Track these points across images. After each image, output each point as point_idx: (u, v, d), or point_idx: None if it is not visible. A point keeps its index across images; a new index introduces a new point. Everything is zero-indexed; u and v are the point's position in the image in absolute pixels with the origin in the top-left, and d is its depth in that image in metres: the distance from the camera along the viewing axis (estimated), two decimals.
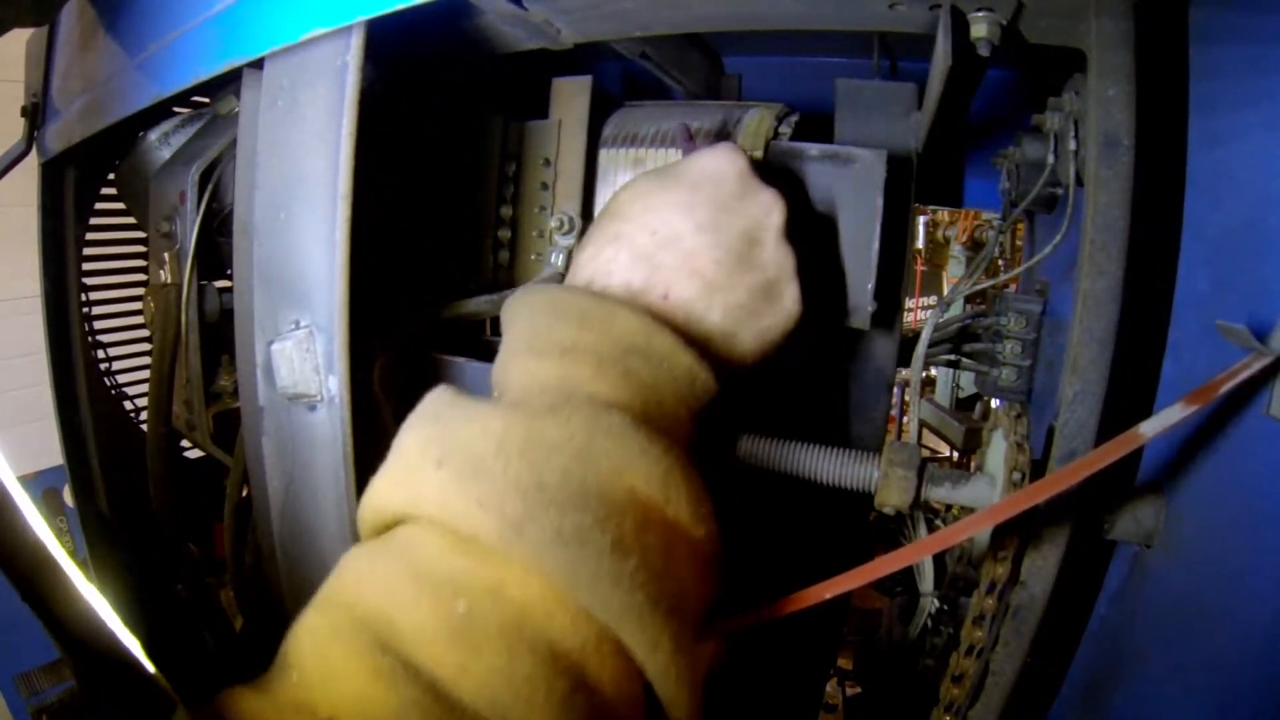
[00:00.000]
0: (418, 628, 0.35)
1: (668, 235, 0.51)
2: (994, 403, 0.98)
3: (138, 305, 1.19)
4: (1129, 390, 0.64)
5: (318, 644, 0.37)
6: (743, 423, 0.66)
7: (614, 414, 0.43)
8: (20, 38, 1.06)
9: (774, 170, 0.68)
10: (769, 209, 0.54)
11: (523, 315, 0.50)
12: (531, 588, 0.38)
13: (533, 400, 0.44)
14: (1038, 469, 0.66)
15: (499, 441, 0.40)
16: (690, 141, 0.69)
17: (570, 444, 0.41)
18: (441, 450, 0.41)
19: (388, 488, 0.43)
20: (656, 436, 0.43)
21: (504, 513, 0.38)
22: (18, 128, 1.16)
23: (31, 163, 1.18)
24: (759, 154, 0.69)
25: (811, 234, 0.67)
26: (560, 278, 0.77)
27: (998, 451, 0.76)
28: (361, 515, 0.44)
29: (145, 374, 1.15)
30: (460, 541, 0.39)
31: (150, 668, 0.33)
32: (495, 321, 0.85)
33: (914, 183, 0.75)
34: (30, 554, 0.33)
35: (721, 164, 0.54)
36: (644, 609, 0.38)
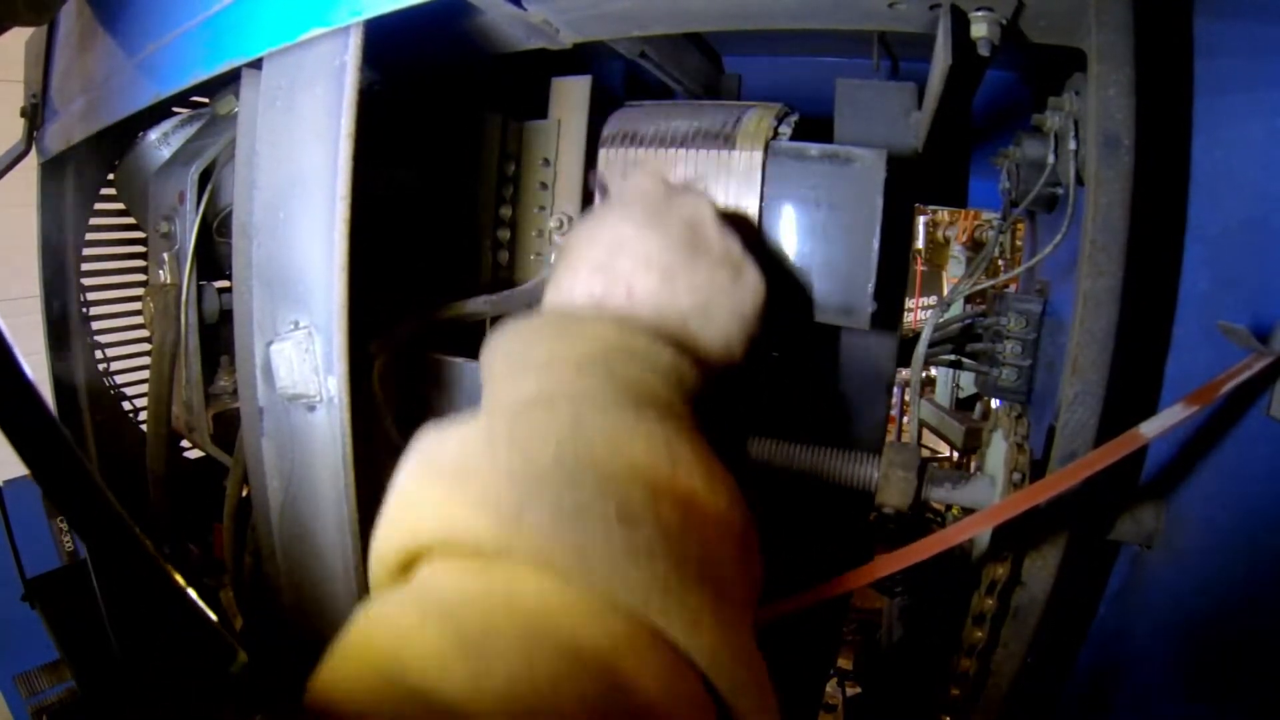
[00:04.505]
0: (425, 655, 0.33)
1: (614, 243, 0.53)
2: (994, 403, 0.98)
3: (138, 305, 1.19)
4: (1130, 391, 0.64)
5: (325, 696, 0.34)
6: (747, 421, 0.66)
7: (601, 395, 0.42)
8: (20, 37, 1.06)
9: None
10: (697, 202, 0.58)
11: (497, 351, 0.50)
12: (546, 589, 0.34)
13: (515, 406, 0.43)
14: (1038, 469, 0.66)
15: (485, 440, 0.39)
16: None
17: (558, 428, 0.39)
18: (430, 470, 0.40)
19: (387, 530, 0.40)
20: (650, 409, 0.42)
21: (499, 505, 0.36)
22: (17, 128, 1.16)
23: (31, 162, 1.18)
24: (759, 154, 0.69)
25: (812, 234, 0.67)
26: None
27: (998, 452, 0.76)
28: (372, 572, 0.41)
29: (145, 374, 1.15)
30: (464, 559, 0.36)
31: (213, 617, 0.33)
32: (495, 322, 0.85)
33: (915, 182, 0.75)
34: (112, 522, 0.34)
35: (642, 182, 0.60)
36: (670, 580, 0.35)
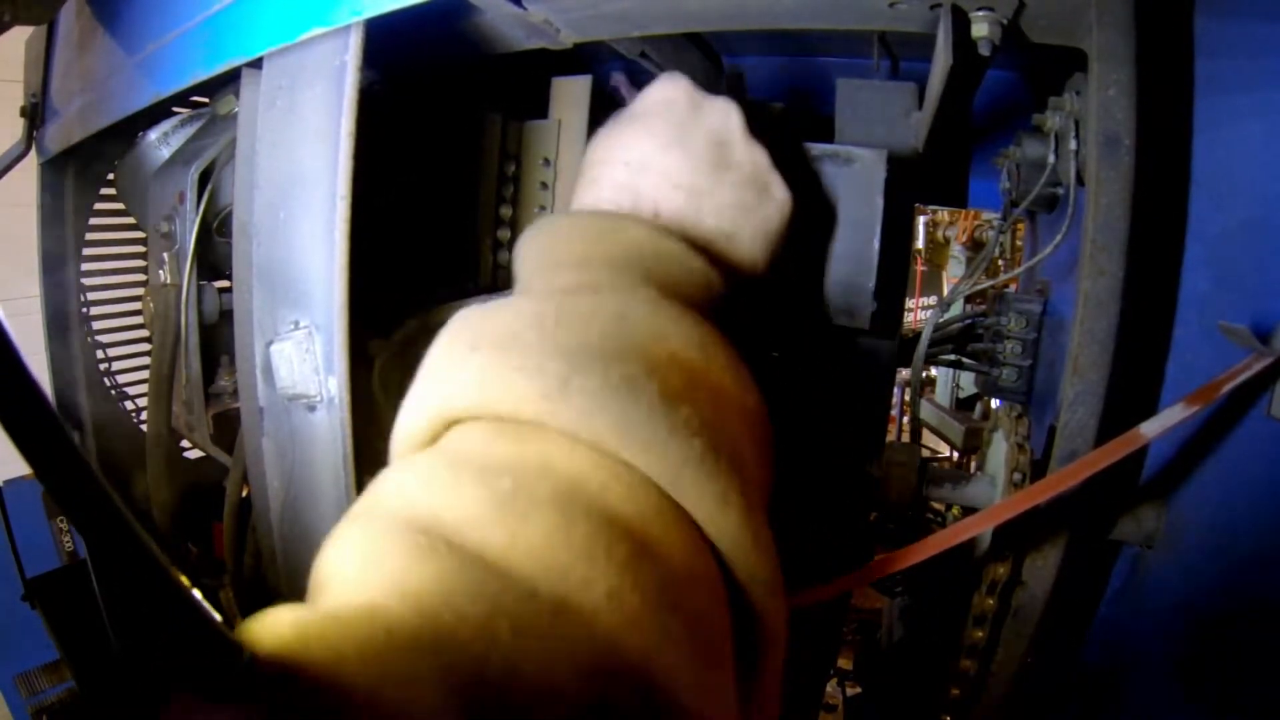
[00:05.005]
0: (460, 508, 0.33)
1: (639, 161, 0.52)
2: (994, 403, 0.98)
3: (138, 305, 1.19)
4: (1130, 391, 0.64)
5: (352, 547, 0.34)
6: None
7: (642, 290, 0.43)
8: (20, 37, 1.06)
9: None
10: (726, 113, 0.55)
11: (533, 244, 0.50)
12: (581, 459, 0.35)
13: (559, 291, 0.44)
14: (1038, 469, 0.66)
15: (534, 316, 0.39)
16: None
17: (605, 312, 0.40)
18: (474, 336, 0.39)
19: (419, 398, 0.40)
20: (685, 309, 0.43)
21: (546, 372, 0.36)
22: (17, 128, 1.16)
23: (31, 162, 1.19)
24: None
25: (811, 234, 0.67)
26: None
27: (998, 452, 0.76)
28: (396, 444, 0.41)
29: (145, 374, 1.15)
30: (503, 425, 0.37)
31: (218, 618, 0.33)
32: None
33: (915, 182, 0.75)
34: (115, 521, 0.33)
35: (667, 90, 0.56)
36: (705, 457, 0.36)
